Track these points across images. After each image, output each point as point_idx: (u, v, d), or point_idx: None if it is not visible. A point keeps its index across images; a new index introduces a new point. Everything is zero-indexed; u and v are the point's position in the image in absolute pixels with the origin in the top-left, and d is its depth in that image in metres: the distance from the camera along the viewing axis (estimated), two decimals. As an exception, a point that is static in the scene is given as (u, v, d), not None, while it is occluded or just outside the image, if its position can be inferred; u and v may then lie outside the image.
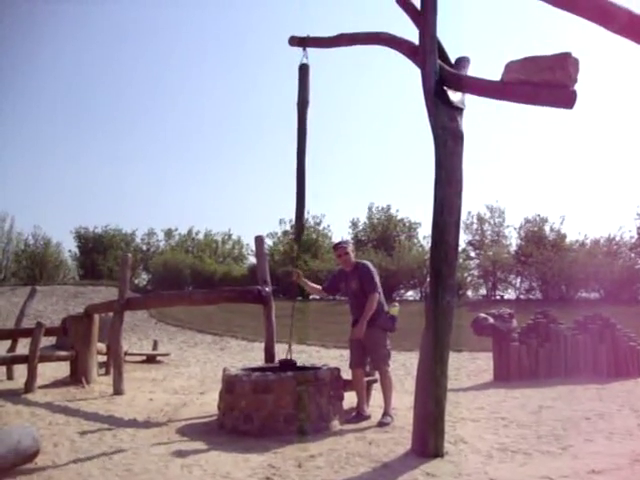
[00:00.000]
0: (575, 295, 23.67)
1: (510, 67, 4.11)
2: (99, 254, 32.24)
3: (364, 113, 47.89)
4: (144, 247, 34.34)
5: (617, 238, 25.41)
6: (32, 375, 7.91)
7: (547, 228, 26.59)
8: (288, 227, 28.82)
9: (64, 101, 48.83)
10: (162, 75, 51.65)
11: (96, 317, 9.18)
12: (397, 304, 6.12)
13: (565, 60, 3.76)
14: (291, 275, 6.21)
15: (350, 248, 6.10)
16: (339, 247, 6.11)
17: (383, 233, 29.92)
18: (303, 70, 6.17)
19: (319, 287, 6.41)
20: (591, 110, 45.47)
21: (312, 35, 6.00)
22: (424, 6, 4.54)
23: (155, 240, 34.49)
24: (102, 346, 9.71)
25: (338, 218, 47.90)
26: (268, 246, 27.91)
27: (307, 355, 12.73)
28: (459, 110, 4.44)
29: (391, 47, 5.14)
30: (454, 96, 4.47)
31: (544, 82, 3.83)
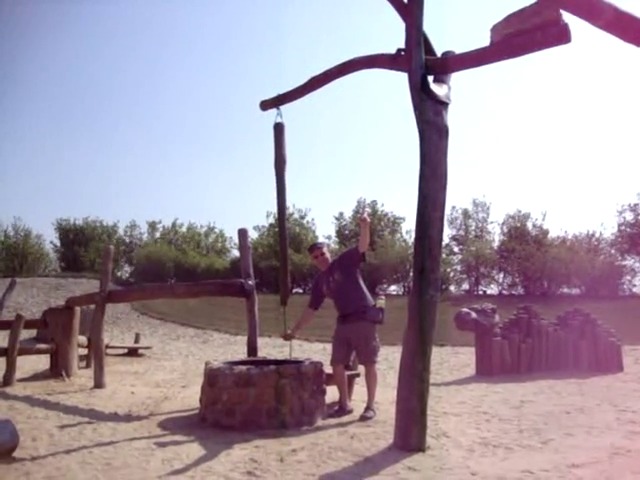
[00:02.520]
0: (557, 291, 23.92)
1: (496, 28, 4.08)
2: (81, 246, 31.94)
3: (349, 107, 47.87)
4: (127, 239, 34.08)
5: (597, 234, 25.72)
6: (11, 368, 7.81)
7: (529, 224, 26.81)
8: (273, 220, 28.71)
9: (46, 93, 48.22)
10: (147, 69, 51.24)
11: (77, 310, 9.08)
12: (383, 297, 6.12)
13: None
14: (288, 338, 6.21)
15: (325, 249, 6.22)
16: (315, 248, 6.21)
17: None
18: (278, 129, 6.14)
19: (309, 313, 6.19)
20: (574, 107, 45.85)
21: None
22: (410, -1, 4.52)
23: (138, 232, 34.26)
24: (83, 339, 9.62)
25: (323, 212, 47.91)
26: (252, 239, 27.83)
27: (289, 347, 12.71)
28: (444, 105, 4.43)
29: (367, 68, 5.12)
30: (439, 90, 4.46)
31: (534, 27, 3.77)
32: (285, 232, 6.45)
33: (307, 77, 5.76)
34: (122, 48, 51.00)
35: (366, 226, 5.64)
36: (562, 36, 3.68)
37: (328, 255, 6.12)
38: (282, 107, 6.18)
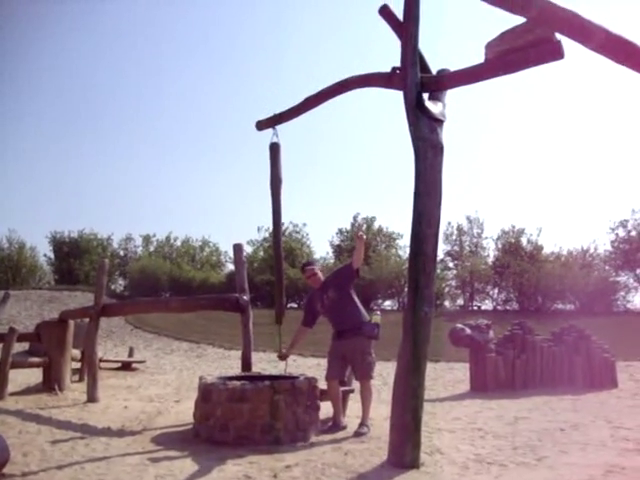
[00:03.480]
0: (551, 306, 23.98)
1: (490, 46, 4.13)
2: (75, 259, 31.84)
3: (345, 123, 48.07)
4: (121, 252, 34.03)
5: (591, 250, 25.84)
6: (3, 382, 7.75)
7: (524, 239, 26.91)
8: (267, 234, 28.73)
9: (42, 107, 48.27)
10: (142, 84, 51.42)
11: (71, 323, 9.04)
12: (378, 312, 6.13)
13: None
14: (283, 357, 6.20)
15: (317, 268, 6.18)
16: (307, 269, 6.12)
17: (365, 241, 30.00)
18: (274, 149, 6.16)
19: (303, 331, 6.16)
20: (568, 123, 46.18)
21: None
22: (406, 17, 4.58)
23: (133, 246, 34.22)
24: (76, 352, 9.56)
25: (319, 227, 47.96)
26: (247, 254, 27.84)
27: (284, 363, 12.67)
28: (439, 122, 4.47)
29: (363, 87, 5.17)
30: (435, 108, 4.50)
31: (528, 44, 3.81)
32: (280, 251, 6.45)
33: (304, 95, 5.80)
34: (117, 64, 51.25)
35: (362, 243, 5.67)
36: (555, 53, 3.73)
37: (320, 274, 6.10)
38: (278, 126, 6.21)
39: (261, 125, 6.26)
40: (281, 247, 6.50)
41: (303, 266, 6.34)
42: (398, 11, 4.82)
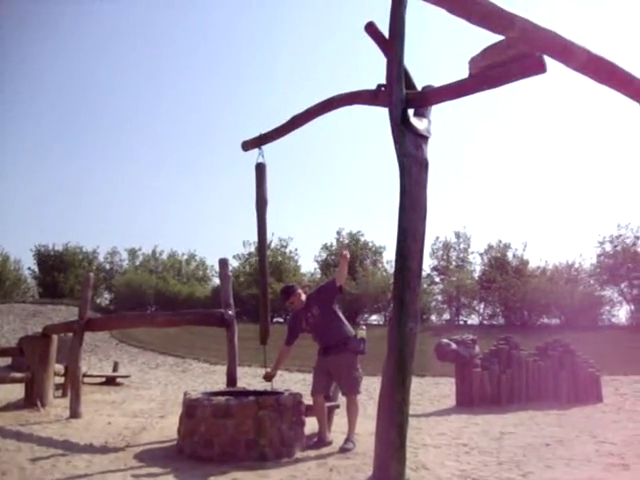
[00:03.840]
0: (537, 321, 24.09)
1: (473, 61, 4.17)
2: (60, 272, 31.55)
3: (331, 137, 48.29)
4: (107, 266, 33.78)
5: (577, 265, 26.04)
6: (-16, 398, 7.64)
7: (510, 254, 27.08)
8: (252, 249, 28.66)
9: (28, 119, 48.04)
10: (131, 99, 51.34)
11: (54, 337, 8.94)
12: (364, 327, 6.12)
13: None
14: (268, 378, 6.08)
15: (299, 289, 6.03)
16: (290, 294, 5.95)
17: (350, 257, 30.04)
18: (259, 169, 6.14)
19: (286, 350, 6.09)
20: (553, 138, 46.69)
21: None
22: (391, 34, 4.62)
23: (119, 259, 33.99)
24: (60, 367, 9.45)
25: (305, 240, 47.94)
26: (233, 268, 27.75)
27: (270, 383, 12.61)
28: (424, 138, 4.50)
29: (349, 105, 5.20)
30: (420, 124, 4.54)
31: (510, 59, 3.86)
32: (266, 271, 6.38)
33: (290, 113, 5.81)
34: (107, 83, 51.18)
35: (345, 262, 5.67)
36: (538, 67, 3.78)
37: (303, 294, 5.98)
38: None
39: (247, 145, 6.26)
40: (266, 268, 6.43)
41: (284, 292, 6.11)
42: (384, 28, 4.88)
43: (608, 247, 25.61)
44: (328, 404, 5.96)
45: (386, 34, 4.79)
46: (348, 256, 5.73)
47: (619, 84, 3.84)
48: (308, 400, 5.79)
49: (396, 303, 4.16)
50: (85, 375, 10.21)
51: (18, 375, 8.49)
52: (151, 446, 5.72)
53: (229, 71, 51.94)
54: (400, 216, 4.16)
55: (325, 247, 30.96)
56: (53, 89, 49.15)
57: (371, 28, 5.07)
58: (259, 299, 6.40)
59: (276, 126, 5.91)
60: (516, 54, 3.83)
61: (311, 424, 5.77)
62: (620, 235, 25.45)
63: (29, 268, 33.07)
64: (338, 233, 31.02)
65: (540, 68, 3.79)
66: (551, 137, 46.97)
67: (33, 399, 8.25)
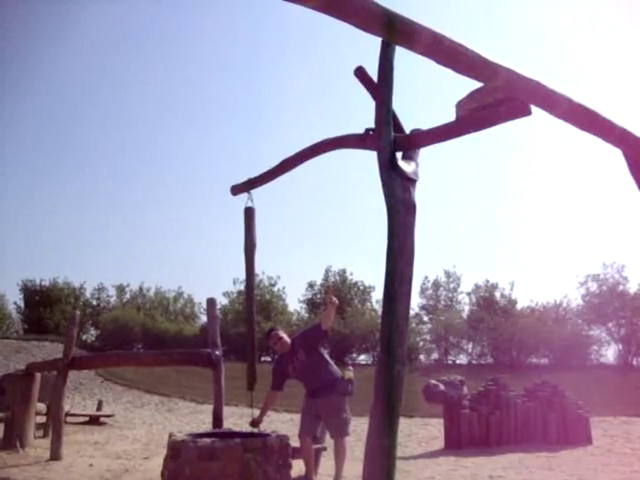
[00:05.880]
0: (525, 360, 24.02)
1: (461, 104, 4.26)
2: (45, 308, 31.16)
3: (320, 178, 48.61)
4: (94, 302, 33.45)
5: (564, 304, 26.12)
6: (-37, 438, 7.47)
7: (498, 294, 27.15)
8: (242, 287, 28.54)
9: (18, 150, 48.02)
10: (121, 133, 51.56)
11: (37, 376, 8.80)
12: (351, 368, 6.10)
13: None
14: (255, 424, 5.93)
15: (282, 332, 6.06)
16: (272, 336, 6.00)
17: (337, 296, 29.93)
18: (248, 214, 6.14)
19: (273, 395, 6.07)
20: (539, 178, 47.33)
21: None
22: (380, 79, 4.73)
23: (106, 295, 33.67)
24: (42, 406, 9.28)
25: (293, 279, 47.78)
26: (221, 305, 27.58)
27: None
28: (412, 181, 4.56)
29: (337, 149, 5.29)
30: (408, 167, 4.60)
31: (497, 102, 3.94)
32: (253, 316, 6.29)
33: (278, 156, 5.83)
34: (95, 116, 51.53)
35: (333, 308, 5.67)
36: (524, 109, 3.87)
37: (286, 337, 5.99)
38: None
39: (235, 190, 6.28)
40: (254, 313, 6.35)
41: (267, 334, 6.17)
42: (373, 73, 4.99)
43: (593, 287, 25.75)
44: (315, 446, 5.88)
45: (375, 78, 4.91)
46: (337, 302, 5.73)
47: (601, 131, 3.94)
48: (295, 442, 5.71)
49: (383, 346, 4.14)
50: (68, 414, 10.02)
51: (-2, 414, 8.32)
52: (133, 490, 5.61)
53: (219, 113, 52.42)
54: (388, 259, 4.17)
55: (310, 285, 30.83)
56: (40, 123, 49.19)
57: (360, 72, 5.18)
58: (246, 340, 6.34)
59: (265, 170, 5.95)
60: (503, 97, 3.93)
61: (298, 467, 5.68)
62: (600, 274, 25.57)
63: (15, 303, 32.70)
64: (326, 271, 30.98)
65: (526, 111, 3.89)
66: (537, 175, 47.57)
67: (12, 440, 8.06)
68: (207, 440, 5.15)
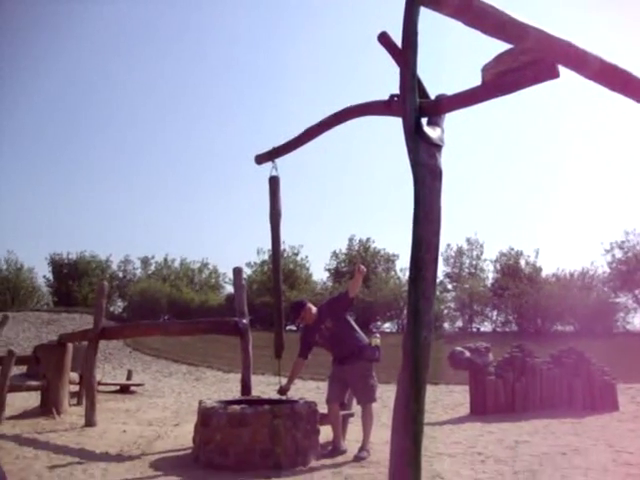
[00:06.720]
0: (550, 328, 23.89)
1: (486, 68, 4.18)
2: (74, 281, 31.74)
3: (345, 146, 48.30)
4: (120, 274, 33.95)
5: (590, 272, 25.82)
6: (0, 406, 7.70)
7: (522, 261, 26.93)
8: (266, 257, 28.70)
9: (41, 126, 48.45)
10: (144, 108, 51.65)
11: (69, 346, 9.02)
12: (378, 335, 6.15)
13: None
14: (283, 392, 6.04)
15: (308, 304, 6.05)
16: (299, 310, 5.99)
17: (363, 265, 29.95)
18: (273, 182, 6.15)
19: (300, 363, 6.09)
20: (565, 144, 46.46)
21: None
22: (404, 44, 4.64)
23: (132, 268, 34.13)
24: (75, 376, 9.52)
25: (317, 248, 47.85)
26: (246, 275, 27.78)
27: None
28: (438, 147, 4.50)
29: (362, 116, 5.21)
30: (433, 133, 4.54)
31: (524, 65, 3.87)
32: (280, 284, 6.36)
33: (302, 125, 5.79)
34: (115, 88, 51.58)
35: (360, 276, 5.69)
36: (551, 72, 3.77)
37: (313, 308, 6.02)
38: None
39: (260, 159, 6.27)
40: (281, 281, 6.41)
41: (293, 309, 6.17)
42: (397, 38, 4.90)
43: (619, 254, 25.41)
44: (343, 412, 5.97)
45: (399, 44, 4.82)
46: (365, 271, 5.75)
47: (632, 92, 3.84)
48: (322, 408, 5.80)
49: (410, 312, 4.14)
50: (99, 383, 10.27)
51: (34, 383, 8.57)
52: (166, 454, 5.76)
53: (242, 82, 52.10)
54: (414, 226, 4.15)
55: (335, 255, 30.86)
56: (60, 94, 49.44)
57: (384, 38, 5.09)
58: (273, 309, 6.40)
59: (289, 139, 5.93)
60: (530, 59, 3.84)
61: (326, 433, 5.78)
62: (625, 241, 25.22)
63: (44, 276, 33.35)
64: (350, 240, 30.95)
65: (553, 73, 3.79)
66: (563, 141, 46.67)
67: (49, 407, 8.33)
68: (237, 407, 5.26)
